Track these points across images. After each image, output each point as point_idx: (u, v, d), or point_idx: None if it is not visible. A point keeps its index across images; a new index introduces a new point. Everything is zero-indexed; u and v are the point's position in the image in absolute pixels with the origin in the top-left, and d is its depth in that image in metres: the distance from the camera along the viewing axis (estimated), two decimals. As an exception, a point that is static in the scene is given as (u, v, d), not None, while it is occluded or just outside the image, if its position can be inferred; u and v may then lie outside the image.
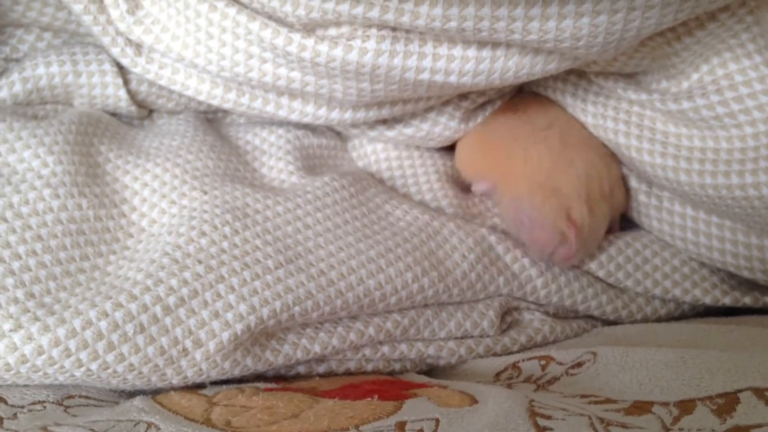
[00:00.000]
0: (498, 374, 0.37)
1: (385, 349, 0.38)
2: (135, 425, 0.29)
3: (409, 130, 0.43)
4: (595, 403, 0.30)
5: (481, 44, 0.35)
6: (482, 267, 0.40)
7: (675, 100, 0.37)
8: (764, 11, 0.34)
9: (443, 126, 0.43)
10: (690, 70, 0.37)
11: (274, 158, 0.43)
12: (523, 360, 0.37)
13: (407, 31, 0.35)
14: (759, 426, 0.25)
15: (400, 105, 0.41)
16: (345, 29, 0.36)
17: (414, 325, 0.38)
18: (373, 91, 0.37)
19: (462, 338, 0.39)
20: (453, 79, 0.36)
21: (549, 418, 0.28)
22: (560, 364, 0.36)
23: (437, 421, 0.28)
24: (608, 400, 0.30)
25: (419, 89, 0.37)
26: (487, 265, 0.40)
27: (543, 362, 0.36)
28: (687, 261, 0.42)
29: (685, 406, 0.28)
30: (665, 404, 0.29)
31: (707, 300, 0.41)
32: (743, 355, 0.30)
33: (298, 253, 0.37)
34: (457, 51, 0.35)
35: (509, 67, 0.35)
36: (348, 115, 0.41)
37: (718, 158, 0.36)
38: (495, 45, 0.35)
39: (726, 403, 0.27)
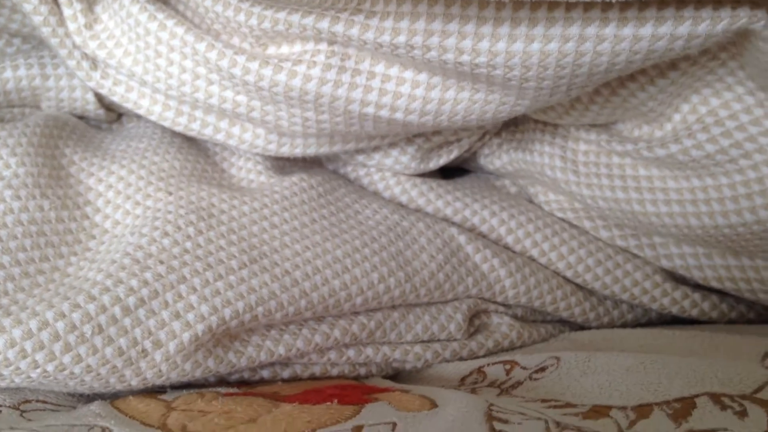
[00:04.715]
0: (463, 379, 0.37)
1: (351, 352, 0.37)
2: (89, 430, 0.28)
3: (371, 162, 0.43)
4: (555, 407, 0.30)
5: (431, 83, 0.34)
6: (450, 267, 0.40)
7: (662, 145, 0.36)
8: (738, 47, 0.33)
9: (394, 160, 0.42)
10: (670, 111, 0.36)
11: (243, 158, 0.43)
12: (489, 364, 0.37)
13: (356, 62, 0.35)
14: (713, 430, 0.25)
15: (353, 142, 0.40)
16: (297, 48, 0.36)
17: (380, 327, 0.38)
18: (318, 122, 0.37)
19: (429, 342, 0.39)
20: (399, 116, 0.35)
21: (506, 422, 0.27)
22: (524, 368, 0.36)
23: (394, 425, 0.28)
24: (568, 405, 0.30)
25: (365, 124, 0.37)
26: (456, 266, 0.40)
27: (508, 367, 0.36)
28: (658, 270, 0.41)
29: (642, 411, 0.28)
30: (623, 408, 0.29)
31: (674, 310, 0.41)
32: (703, 361, 0.30)
33: (263, 253, 0.36)
34: (405, 88, 0.35)
35: (458, 110, 0.34)
36: (299, 150, 0.40)
37: (722, 195, 0.35)
38: (445, 81, 0.34)
39: (682, 408, 0.27)
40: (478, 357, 0.39)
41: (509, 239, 0.42)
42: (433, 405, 0.30)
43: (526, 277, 0.41)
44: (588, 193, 0.41)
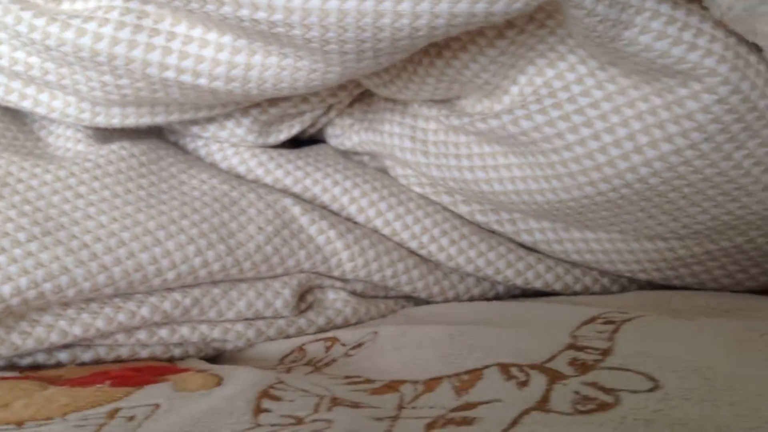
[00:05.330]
0: (283, 358, 0.34)
1: (163, 332, 0.35)
2: None
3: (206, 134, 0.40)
4: (353, 383, 0.28)
5: (236, 47, 0.32)
6: (281, 240, 0.37)
7: (496, 116, 0.34)
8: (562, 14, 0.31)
9: (229, 132, 0.40)
10: (507, 84, 0.33)
11: (62, 126, 0.40)
12: (310, 342, 0.34)
13: (155, 21, 0.32)
14: (487, 402, 0.23)
15: (177, 113, 0.37)
16: (91, 3, 0.32)
17: (197, 305, 0.35)
18: (118, 87, 0.34)
19: (253, 319, 0.36)
20: (203, 81, 0.32)
21: (279, 399, 0.25)
22: (344, 345, 0.33)
23: (156, 406, 0.25)
24: (367, 381, 0.28)
25: (170, 90, 0.34)
26: (287, 238, 0.37)
27: (328, 344, 0.34)
28: (505, 241, 0.39)
29: (431, 384, 0.26)
30: (415, 382, 0.26)
31: (518, 282, 0.39)
32: (507, 331, 0.28)
33: (60, 225, 0.33)
34: (208, 51, 0.32)
35: (266, 76, 0.32)
36: (116, 120, 0.37)
37: (557, 172, 0.33)
38: (251, 44, 0.31)
39: (470, 380, 0.25)
40: (307, 335, 0.37)
41: (352, 209, 0.39)
42: (218, 384, 0.28)
43: (364, 250, 0.38)
44: (438, 175, 0.38)
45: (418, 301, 0.40)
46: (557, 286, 0.39)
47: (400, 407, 0.24)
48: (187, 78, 0.32)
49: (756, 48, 0.29)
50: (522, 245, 0.40)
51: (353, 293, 0.39)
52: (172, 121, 0.38)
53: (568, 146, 0.32)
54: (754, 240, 0.34)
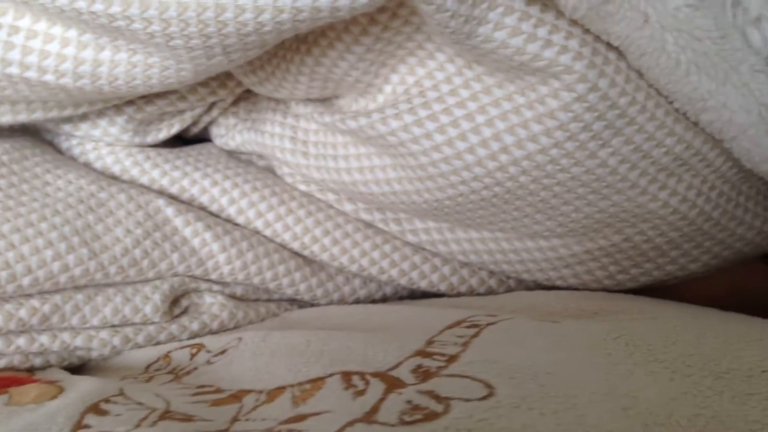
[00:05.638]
0: (148, 366, 0.33)
1: (21, 341, 0.33)
2: None
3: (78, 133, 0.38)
4: (199, 394, 0.27)
5: (82, 42, 0.30)
6: (152, 242, 0.35)
7: (367, 114, 0.33)
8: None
9: (102, 131, 0.38)
10: (380, 82, 0.32)
11: None
12: (177, 349, 0.33)
13: None
14: (317, 414, 0.22)
15: (40, 111, 0.35)
16: None
17: (57, 311, 0.33)
18: None
19: (121, 326, 0.35)
20: (49, 78, 0.30)
21: (106, 414, 0.24)
22: (209, 352, 0.32)
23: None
24: (217, 391, 0.27)
25: (18, 87, 0.32)
26: (159, 241, 0.36)
27: (194, 351, 0.32)
28: (390, 240, 0.38)
29: (274, 394, 0.25)
30: (260, 392, 0.25)
31: (403, 281, 0.38)
32: (367, 336, 0.27)
33: None
34: (53, 46, 0.30)
35: (117, 73, 0.30)
36: None
37: (427, 174, 0.32)
38: (98, 39, 0.30)
39: (310, 390, 0.24)
40: (180, 341, 0.35)
41: (231, 210, 0.38)
42: (54, 396, 0.26)
43: (243, 252, 0.37)
44: (318, 177, 0.37)
45: (303, 304, 0.39)
46: (442, 287, 0.38)
47: (234, 420, 0.23)
48: (32, 74, 0.31)
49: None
50: (409, 244, 0.39)
51: (233, 297, 0.38)
52: (36, 119, 0.36)
53: (436, 147, 0.31)
54: (632, 239, 0.34)
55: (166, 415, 0.23)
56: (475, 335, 0.27)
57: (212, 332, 0.36)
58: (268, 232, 0.38)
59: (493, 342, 0.26)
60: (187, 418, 0.23)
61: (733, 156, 0.31)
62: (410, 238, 0.38)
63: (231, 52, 0.28)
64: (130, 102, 0.38)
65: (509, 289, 0.40)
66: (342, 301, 0.39)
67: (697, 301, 0.34)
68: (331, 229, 0.38)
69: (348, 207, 0.38)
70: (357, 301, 0.39)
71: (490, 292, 0.39)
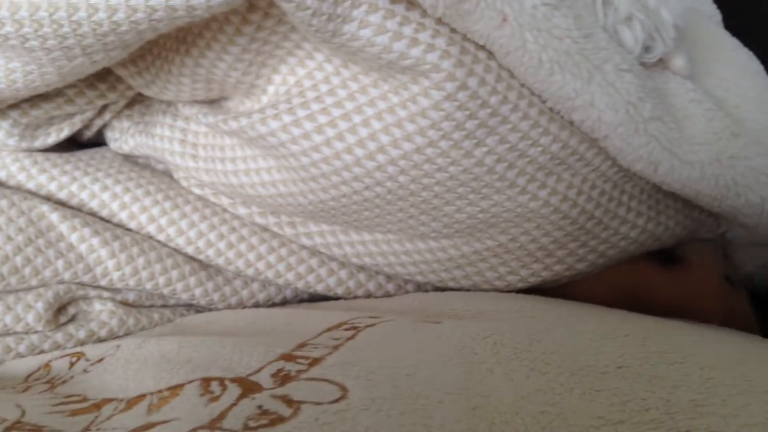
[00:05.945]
0: (28, 376, 0.32)
1: None
2: None
3: None
4: (63, 403, 0.26)
5: None
6: (34, 249, 0.34)
7: (248, 114, 0.32)
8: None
9: None
10: (262, 83, 0.32)
11: None
12: (57, 358, 0.32)
13: None
14: (165, 422, 0.21)
15: None
16: None
17: (-68, 322, 0.32)
18: None
19: (2, 335, 0.34)
20: None
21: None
22: (87, 360, 0.31)
23: None
24: (83, 400, 0.26)
25: None
26: (42, 248, 0.35)
27: (74, 359, 0.32)
28: (286, 243, 0.38)
29: (133, 402, 0.24)
30: (120, 401, 0.24)
31: (300, 285, 0.38)
32: (236, 341, 0.27)
33: None
34: None
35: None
36: None
37: (300, 177, 0.32)
38: None
39: (167, 397, 0.24)
40: (65, 350, 0.34)
41: (123, 215, 0.37)
42: None
43: (132, 257, 0.36)
44: (208, 179, 0.37)
45: (201, 309, 0.38)
46: (339, 291, 0.38)
47: (86, 429, 0.23)
48: None
49: (489, 43, 0.28)
50: (305, 248, 0.38)
51: (125, 303, 0.37)
52: None
53: (315, 147, 0.31)
54: (517, 239, 0.34)
55: (16, 425, 0.23)
56: (351, 338, 0.27)
57: (100, 340, 0.35)
58: (161, 237, 0.37)
59: (366, 344, 0.26)
60: (36, 429, 0.23)
61: (611, 155, 0.31)
62: (305, 241, 0.38)
63: (91, 53, 0.27)
64: (15, 106, 0.36)
65: (407, 294, 0.39)
66: (240, 305, 0.38)
67: (585, 300, 0.34)
68: (226, 233, 0.38)
69: (242, 210, 0.38)
70: (256, 305, 0.38)
71: (387, 296, 0.39)
